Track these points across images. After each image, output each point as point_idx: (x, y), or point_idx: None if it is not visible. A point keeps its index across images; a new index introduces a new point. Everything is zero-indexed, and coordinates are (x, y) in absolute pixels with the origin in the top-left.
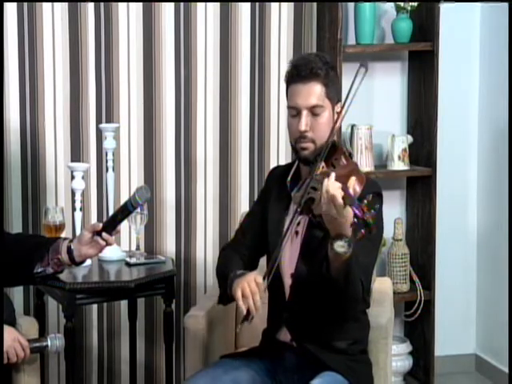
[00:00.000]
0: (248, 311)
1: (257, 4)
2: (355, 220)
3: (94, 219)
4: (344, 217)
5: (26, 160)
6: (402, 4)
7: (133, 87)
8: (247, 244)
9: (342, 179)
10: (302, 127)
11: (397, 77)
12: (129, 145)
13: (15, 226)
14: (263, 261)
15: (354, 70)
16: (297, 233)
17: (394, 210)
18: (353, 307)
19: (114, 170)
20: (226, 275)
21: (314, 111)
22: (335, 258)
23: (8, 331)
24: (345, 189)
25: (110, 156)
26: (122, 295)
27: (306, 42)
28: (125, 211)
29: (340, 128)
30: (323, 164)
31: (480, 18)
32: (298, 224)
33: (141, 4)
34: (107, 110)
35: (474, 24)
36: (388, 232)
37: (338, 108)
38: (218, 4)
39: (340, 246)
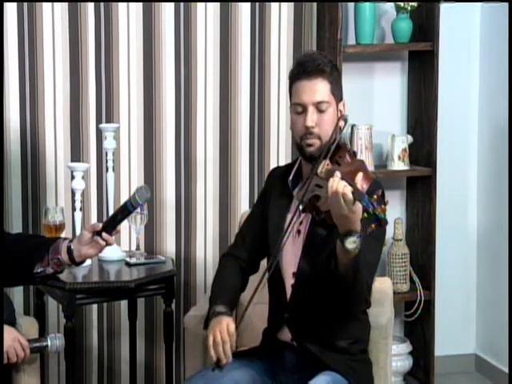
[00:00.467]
0: (218, 359)
1: (257, 4)
2: (365, 214)
3: (93, 219)
4: (354, 212)
5: (25, 160)
6: (402, 4)
7: (133, 87)
8: (247, 248)
9: (349, 175)
10: (309, 123)
11: (397, 77)
12: (129, 145)
13: (15, 226)
14: (264, 261)
15: (354, 70)
16: (299, 232)
17: (394, 210)
18: (356, 305)
19: (114, 170)
20: (212, 301)
21: (319, 107)
22: (344, 255)
23: (8, 331)
24: (353, 184)
25: (110, 156)
26: (122, 295)
27: (305, 42)
28: (125, 211)
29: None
30: (327, 161)
31: (480, 18)
32: (301, 223)
33: (141, 4)
34: (107, 110)
35: (474, 24)
36: (388, 232)
37: (340, 106)
38: (217, 4)
39: (351, 242)
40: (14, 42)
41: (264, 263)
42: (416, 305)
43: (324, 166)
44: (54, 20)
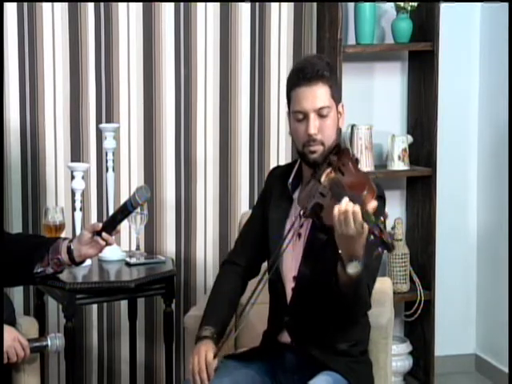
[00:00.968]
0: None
1: (257, 4)
2: (372, 238)
3: (93, 219)
4: (361, 234)
5: (25, 160)
6: (402, 4)
7: (133, 87)
8: (247, 253)
9: (355, 190)
10: (312, 130)
11: (397, 77)
12: (129, 145)
13: (15, 226)
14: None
15: (353, 70)
16: (299, 235)
17: (394, 210)
18: (356, 315)
19: (114, 170)
20: (202, 321)
21: (321, 113)
22: (345, 276)
23: (8, 331)
24: (362, 204)
25: (110, 156)
26: (122, 295)
27: (305, 41)
28: (125, 211)
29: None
30: (330, 169)
31: (480, 18)
32: (301, 226)
33: (141, 4)
34: (107, 110)
35: (474, 24)
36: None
37: (340, 108)
38: (217, 4)
39: (353, 267)
40: (13, 42)
41: (265, 265)
42: (416, 305)
43: (327, 173)
44: (53, 20)
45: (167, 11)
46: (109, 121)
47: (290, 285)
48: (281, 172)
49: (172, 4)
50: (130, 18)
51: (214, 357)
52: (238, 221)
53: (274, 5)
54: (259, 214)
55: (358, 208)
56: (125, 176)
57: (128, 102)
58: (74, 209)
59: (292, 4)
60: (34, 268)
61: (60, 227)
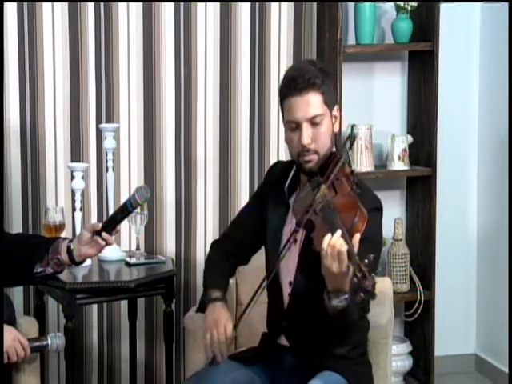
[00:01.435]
0: (214, 357)
1: (257, 4)
2: (355, 279)
3: (93, 219)
4: (344, 273)
5: (26, 160)
6: (402, 4)
7: (133, 87)
8: (238, 241)
9: (346, 215)
10: (305, 140)
11: (397, 77)
12: (129, 145)
13: (15, 226)
14: (259, 260)
15: (353, 70)
16: (295, 240)
17: (394, 210)
18: (351, 328)
19: (114, 170)
20: (206, 284)
21: (314, 121)
22: (331, 307)
23: (8, 331)
24: (349, 243)
25: (110, 156)
26: (122, 295)
27: (305, 41)
28: (124, 211)
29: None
30: (324, 186)
31: (480, 18)
32: (297, 232)
33: (141, 4)
34: (107, 110)
35: (474, 24)
36: (388, 232)
37: (334, 111)
38: (217, 4)
39: (338, 302)
40: (14, 42)
41: (259, 262)
42: (416, 305)
43: (321, 190)
44: (53, 20)
45: (167, 11)
46: (109, 121)
47: (286, 290)
48: (281, 170)
49: (172, 4)
50: (130, 18)
51: (234, 329)
52: None
53: (274, 5)
54: (255, 208)
55: (344, 248)
56: (125, 176)
57: (128, 102)
58: (74, 209)
59: (292, 4)
60: (33, 268)
61: (60, 227)
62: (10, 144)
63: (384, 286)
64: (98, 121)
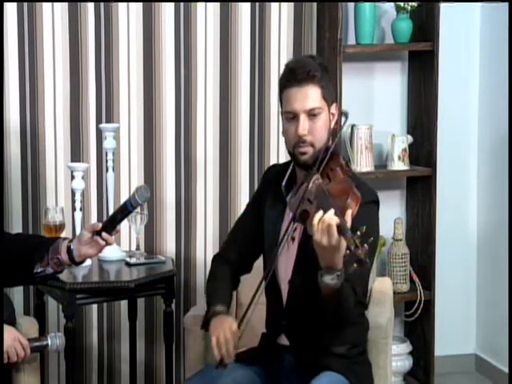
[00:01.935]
0: (222, 359)
1: (257, 4)
2: (348, 252)
3: (93, 219)
4: (336, 247)
5: (26, 160)
6: (402, 4)
7: (133, 87)
8: (238, 249)
9: (339, 199)
10: (301, 131)
11: (397, 77)
12: (129, 145)
13: (15, 226)
14: (258, 261)
15: (353, 70)
16: (293, 239)
17: (394, 210)
18: (346, 320)
19: (114, 170)
20: (209, 301)
21: (311, 113)
22: (325, 288)
23: (8, 331)
24: (340, 217)
25: (110, 156)
26: (122, 295)
27: (305, 41)
28: (124, 211)
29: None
30: (319, 176)
31: (480, 18)
32: (295, 230)
33: (141, 4)
34: (107, 110)
35: (473, 24)
36: (388, 232)
37: (333, 109)
38: (217, 4)
39: (330, 279)
40: (14, 42)
41: (258, 263)
42: (416, 305)
43: (314, 180)
44: (53, 20)
45: (167, 11)
46: (109, 121)
47: (285, 288)
48: (276, 172)
49: (172, 4)
50: (130, 18)
51: (238, 327)
52: None
53: (274, 5)
54: (253, 213)
55: (334, 221)
56: (125, 176)
57: (128, 102)
58: (74, 209)
59: (292, 4)
60: (33, 268)
61: (60, 227)
62: (10, 144)
63: (384, 285)
64: (98, 121)
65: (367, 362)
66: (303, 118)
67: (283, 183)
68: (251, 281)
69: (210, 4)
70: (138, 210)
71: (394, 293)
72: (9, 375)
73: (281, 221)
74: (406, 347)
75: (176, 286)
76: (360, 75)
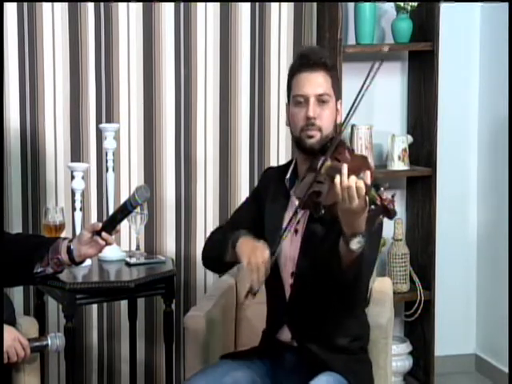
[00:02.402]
0: (252, 286)
1: (257, 4)
2: (372, 207)
3: (93, 219)
4: (364, 208)
5: (25, 160)
6: (402, 4)
7: (133, 87)
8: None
9: (355, 170)
10: (311, 113)
11: (397, 77)
12: (129, 145)
13: (15, 226)
14: None
15: (353, 70)
16: (296, 231)
17: None
18: (357, 302)
19: (114, 170)
20: (224, 239)
21: (321, 99)
22: (348, 255)
23: (8, 331)
24: (361, 178)
25: (110, 156)
26: (122, 295)
27: (306, 42)
28: (124, 211)
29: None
30: (327, 158)
31: (480, 18)
32: (298, 222)
33: (141, 4)
34: (107, 110)
35: (473, 24)
36: (388, 232)
37: (338, 105)
38: (217, 4)
39: (356, 243)
40: (14, 42)
41: None
42: (416, 305)
43: (324, 162)
44: (53, 20)
45: (167, 11)
46: (109, 121)
47: (288, 281)
48: (275, 171)
49: (172, 4)
50: (130, 18)
51: (272, 255)
52: None
53: (274, 5)
54: (252, 210)
55: (360, 183)
56: (125, 176)
57: (128, 102)
58: (74, 209)
59: (292, 4)
60: (33, 268)
61: (60, 227)
62: (10, 144)
63: (384, 285)
64: (98, 121)
65: (368, 360)
66: (313, 101)
67: (287, 176)
68: None
69: (209, 4)
70: (138, 209)
71: (394, 293)
72: (9, 375)
73: (283, 213)
74: (405, 347)
75: (176, 286)
76: (360, 75)
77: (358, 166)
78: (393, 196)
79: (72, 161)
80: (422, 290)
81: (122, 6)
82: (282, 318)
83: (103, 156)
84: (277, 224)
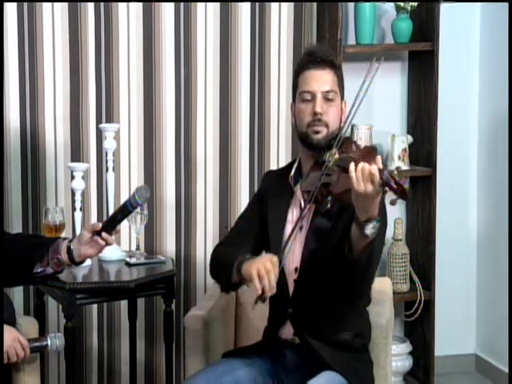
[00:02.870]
0: (263, 291)
1: (257, 4)
2: (387, 189)
3: (94, 219)
4: (379, 193)
5: (25, 160)
6: (402, 4)
7: (133, 87)
8: (243, 245)
9: (365, 158)
10: (318, 109)
11: (397, 77)
12: (129, 145)
13: (15, 226)
14: None
15: (353, 70)
16: (301, 227)
17: (394, 210)
18: (365, 292)
19: (114, 170)
20: (230, 262)
21: (328, 96)
22: (361, 240)
23: (8, 331)
24: (373, 163)
25: (110, 156)
26: (122, 295)
27: (306, 42)
28: (124, 211)
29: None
30: (335, 151)
31: (480, 18)
32: (302, 218)
33: (141, 4)
34: (107, 110)
35: (473, 24)
36: (388, 232)
37: (342, 104)
38: (217, 4)
39: (371, 228)
40: (14, 42)
41: None
42: (416, 305)
43: (332, 155)
44: (53, 20)
45: (167, 11)
46: (109, 121)
47: (292, 277)
48: (276, 173)
49: (172, 4)
50: (130, 18)
51: (280, 262)
52: None
53: (274, 5)
54: (256, 211)
55: (374, 168)
56: (125, 176)
57: (128, 102)
58: (74, 209)
59: (292, 4)
60: (33, 268)
61: (60, 227)
62: (10, 144)
63: (384, 285)
64: (98, 121)
65: (369, 360)
66: (320, 97)
67: (291, 173)
68: None
69: (209, 4)
70: (138, 209)
71: (394, 293)
72: (9, 375)
73: (287, 210)
74: (405, 347)
75: (176, 286)
76: (360, 75)
77: (368, 154)
78: (406, 177)
79: (72, 161)
80: (421, 290)
81: (121, 5)
82: (285, 313)
83: (103, 156)
84: (280, 223)
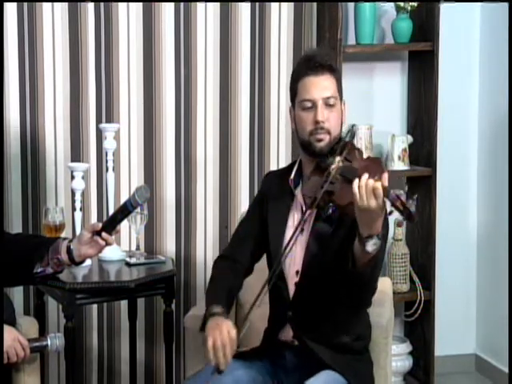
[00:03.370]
0: (217, 364)
1: (257, 4)
2: (392, 209)
3: (93, 219)
4: (382, 209)
5: (25, 160)
6: (402, 4)
7: (133, 87)
8: (245, 250)
9: (369, 172)
10: (320, 117)
11: (397, 77)
12: (129, 145)
13: (15, 226)
14: (258, 264)
15: (353, 70)
16: (302, 230)
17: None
18: (367, 300)
19: (114, 170)
20: (208, 301)
21: (328, 102)
22: (363, 256)
23: (8, 331)
24: (378, 180)
25: (110, 156)
26: (122, 295)
27: (306, 42)
28: (124, 211)
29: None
30: (338, 158)
31: (480, 18)
32: (304, 222)
33: (141, 4)
34: (107, 110)
35: (473, 24)
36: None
37: (342, 105)
38: (217, 4)
39: (372, 245)
40: (14, 42)
41: (258, 266)
42: (416, 305)
43: (335, 163)
44: (53, 20)
45: (167, 11)
46: (109, 121)
47: (292, 280)
48: (277, 174)
49: (172, 4)
50: (130, 18)
51: (238, 334)
52: (238, 221)
53: (274, 5)
54: (257, 216)
55: (378, 183)
56: (125, 176)
57: (128, 102)
58: (74, 209)
59: (292, 4)
60: (33, 268)
61: (60, 227)
62: (10, 144)
63: (384, 286)
64: (98, 121)
65: (369, 360)
66: (321, 104)
67: (291, 176)
68: (253, 281)
69: (209, 4)
70: (138, 210)
71: (394, 293)
72: (9, 375)
73: (288, 213)
74: (405, 347)
75: (176, 286)
76: (360, 75)
77: (373, 168)
78: (416, 199)
79: (72, 161)
80: (421, 290)
81: (121, 5)
82: (285, 316)
83: (103, 156)
84: (280, 226)
